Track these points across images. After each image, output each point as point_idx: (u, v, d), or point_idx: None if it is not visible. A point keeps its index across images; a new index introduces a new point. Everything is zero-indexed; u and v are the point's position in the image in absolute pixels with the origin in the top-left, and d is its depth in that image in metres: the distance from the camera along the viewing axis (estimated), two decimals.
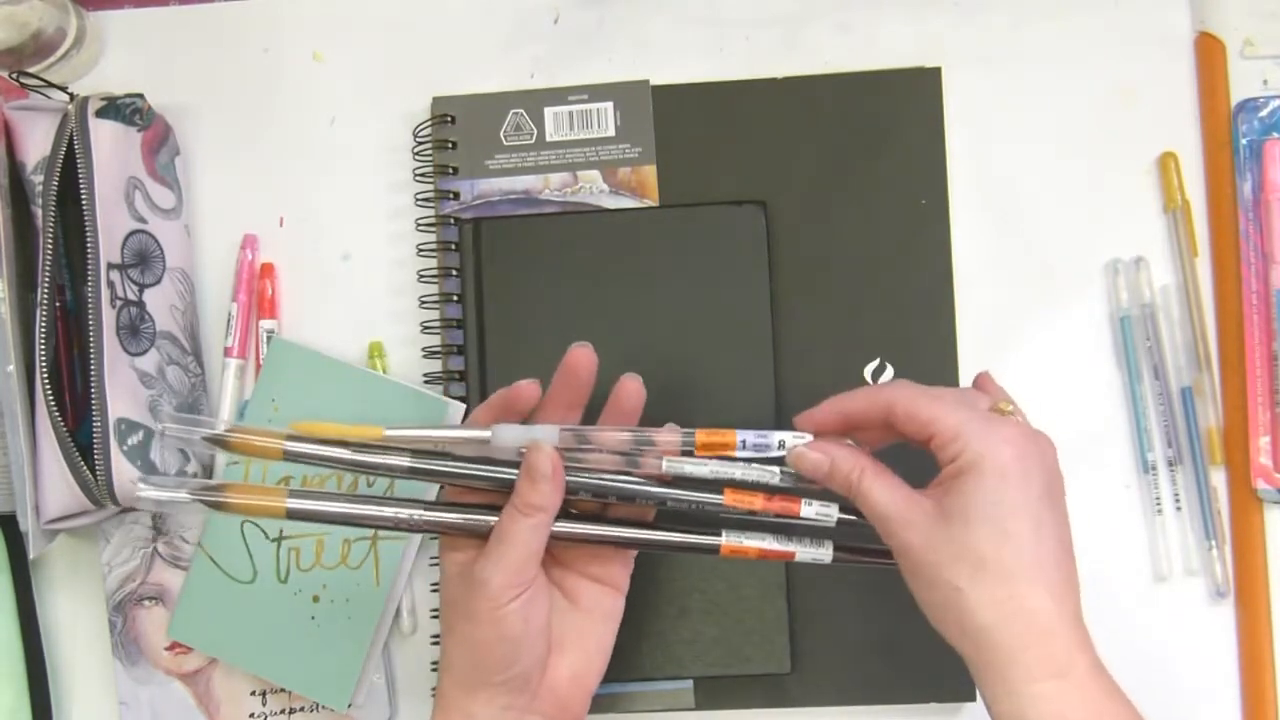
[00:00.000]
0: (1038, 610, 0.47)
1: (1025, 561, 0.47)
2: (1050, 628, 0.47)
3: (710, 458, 0.53)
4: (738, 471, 0.53)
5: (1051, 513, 0.49)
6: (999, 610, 0.47)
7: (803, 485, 0.53)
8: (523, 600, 0.50)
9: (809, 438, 0.52)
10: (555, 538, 0.52)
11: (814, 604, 0.64)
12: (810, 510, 0.53)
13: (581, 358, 0.53)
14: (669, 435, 0.52)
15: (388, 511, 0.52)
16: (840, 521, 0.53)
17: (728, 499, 0.53)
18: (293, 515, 0.51)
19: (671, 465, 0.53)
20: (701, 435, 0.52)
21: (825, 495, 0.53)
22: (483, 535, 0.52)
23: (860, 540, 0.53)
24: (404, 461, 0.52)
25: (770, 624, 0.63)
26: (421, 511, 0.52)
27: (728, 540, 0.53)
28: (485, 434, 0.51)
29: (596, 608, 0.55)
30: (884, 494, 0.50)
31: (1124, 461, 0.65)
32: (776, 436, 0.52)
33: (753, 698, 0.65)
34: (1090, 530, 0.64)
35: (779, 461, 0.53)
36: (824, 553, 0.54)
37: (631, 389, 0.54)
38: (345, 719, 0.65)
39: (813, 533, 0.53)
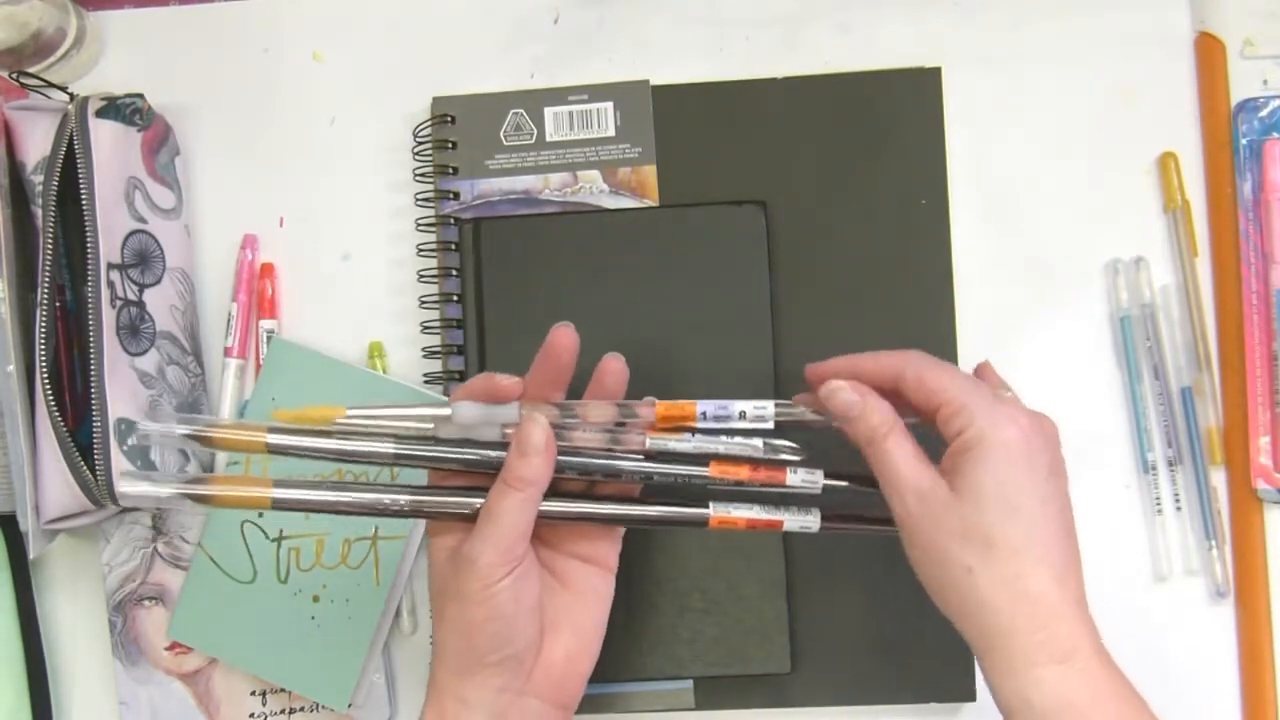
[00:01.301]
0: (1042, 593, 0.47)
1: (1031, 541, 0.48)
2: (1055, 611, 0.47)
3: (692, 432, 0.53)
4: (720, 446, 0.53)
5: (1056, 493, 0.49)
6: (1006, 591, 0.47)
7: (785, 456, 0.53)
8: (513, 578, 0.50)
9: (770, 407, 0.52)
10: (544, 517, 0.52)
11: (814, 604, 0.64)
12: (796, 478, 0.53)
13: (564, 338, 0.52)
14: (644, 409, 0.53)
15: (374, 497, 0.52)
16: (826, 488, 0.53)
17: (713, 471, 0.53)
18: (279, 505, 0.51)
19: (655, 441, 0.53)
20: (661, 407, 0.52)
21: (809, 463, 0.53)
22: (470, 518, 0.52)
23: (845, 508, 0.53)
24: (389, 448, 0.52)
25: (770, 624, 0.63)
26: (408, 496, 0.52)
27: (716, 511, 0.54)
28: (445, 411, 0.51)
29: (587, 588, 0.55)
30: (906, 458, 0.50)
31: (1124, 461, 0.65)
32: (737, 406, 0.52)
33: (753, 698, 0.65)
34: (1090, 530, 0.64)
35: (759, 434, 0.53)
36: (812, 520, 0.54)
37: (614, 368, 0.54)
38: (345, 719, 0.65)
39: (800, 501, 0.54)
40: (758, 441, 0.53)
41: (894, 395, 0.51)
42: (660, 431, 0.53)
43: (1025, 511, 0.48)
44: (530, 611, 0.52)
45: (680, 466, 0.53)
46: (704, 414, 0.52)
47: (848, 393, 0.51)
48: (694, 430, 0.53)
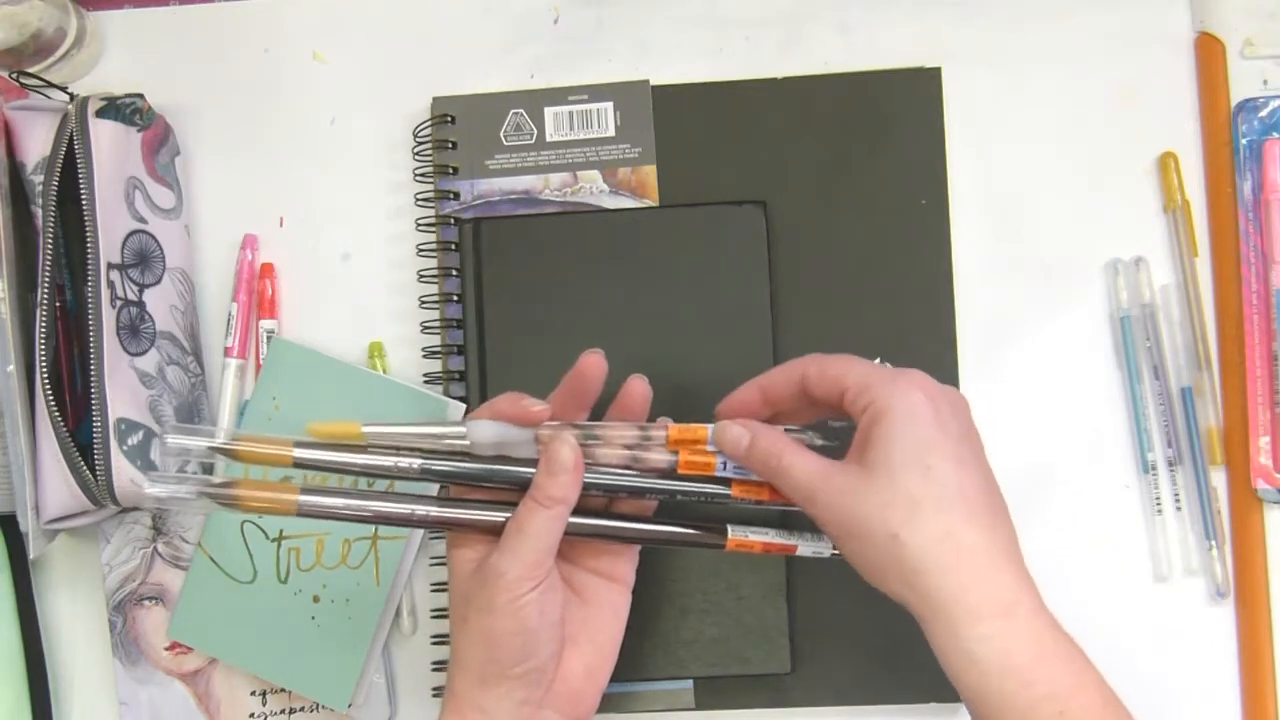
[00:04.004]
0: (975, 546, 0.47)
1: (952, 494, 0.47)
2: (993, 563, 0.47)
3: (725, 464, 0.53)
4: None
5: (971, 454, 0.49)
6: (938, 549, 0.47)
7: None
8: (539, 591, 0.50)
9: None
10: (565, 532, 0.52)
11: (814, 604, 0.64)
12: None
13: (593, 365, 0.53)
14: (659, 431, 0.53)
15: (401, 508, 0.52)
16: None
17: (735, 492, 0.54)
18: (304, 512, 0.51)
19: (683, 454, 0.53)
20: (674, 431, 0.53)
21: None
22: (494, 530, 0.52)
23: None
24: (415, 463, 0.52)
25: (770, 624, 0.63)
26: (434, 508, 0.52)
27: (734, 535, 0.54)
28: (460, 429, 0.51)
29: (605, 602, 0.55)
30: (804, 466, 0.50)
31: (1124, 461, 0.65)
32: None
33: (753, 698, 0.65)
34: (1090, 530, 0.64)
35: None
36: (824, 546, 0.55)
37: (638, 390, 0.54)
38: (345, 719, 0.65)
39: (814, 527, 0.54)
40: None
41: (801, 399, 0.52)
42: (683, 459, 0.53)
43: (941, 469, 0.47)
44: (553, 625, 0.52)
45: (703, 485, 0.54)
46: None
47: (734, 428, 0.52)
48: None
